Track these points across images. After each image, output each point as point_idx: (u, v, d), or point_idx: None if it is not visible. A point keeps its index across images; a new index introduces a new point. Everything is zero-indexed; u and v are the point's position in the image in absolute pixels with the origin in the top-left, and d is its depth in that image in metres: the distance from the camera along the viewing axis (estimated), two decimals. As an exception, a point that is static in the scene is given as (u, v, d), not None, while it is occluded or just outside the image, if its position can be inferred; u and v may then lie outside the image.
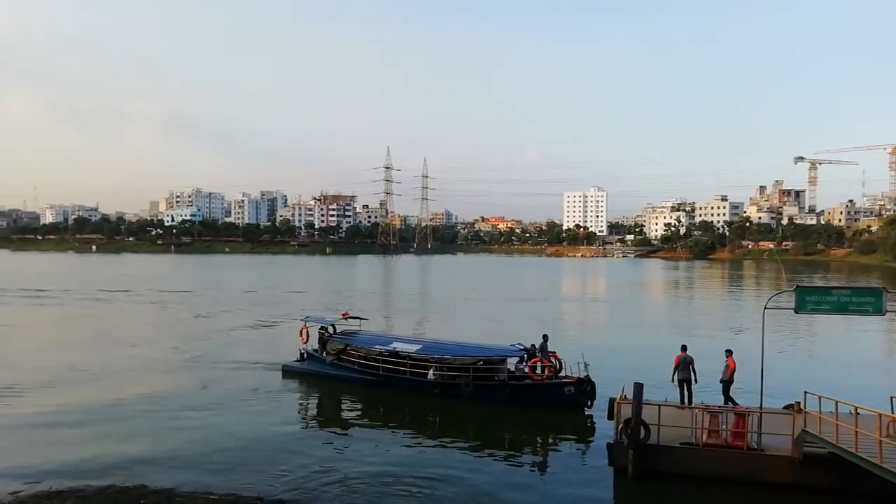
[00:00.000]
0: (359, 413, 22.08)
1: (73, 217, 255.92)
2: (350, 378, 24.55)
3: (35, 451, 16.91)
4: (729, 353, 18.60)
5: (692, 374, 18.62)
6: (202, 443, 17.72)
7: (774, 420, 15.78)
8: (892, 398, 15.30)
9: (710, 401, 17.73)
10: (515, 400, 21.15)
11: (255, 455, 16.78)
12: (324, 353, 25.98)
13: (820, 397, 14.92)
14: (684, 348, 19.10)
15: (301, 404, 23.02)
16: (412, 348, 23.62)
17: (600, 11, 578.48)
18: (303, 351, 27.01)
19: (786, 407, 17.52)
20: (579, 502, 14.41)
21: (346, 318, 28.02)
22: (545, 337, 22.82)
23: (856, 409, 13.84)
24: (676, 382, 18.67)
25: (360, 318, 28.57)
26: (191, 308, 51.45)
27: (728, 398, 18.35)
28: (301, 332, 27.07)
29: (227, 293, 65.15)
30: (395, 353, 23.51)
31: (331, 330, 26.88)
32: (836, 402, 14.51)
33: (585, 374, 20.79)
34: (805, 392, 15.87)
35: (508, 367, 22.60)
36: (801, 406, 16.03)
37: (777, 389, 19.06)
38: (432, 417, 21.17)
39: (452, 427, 20.01)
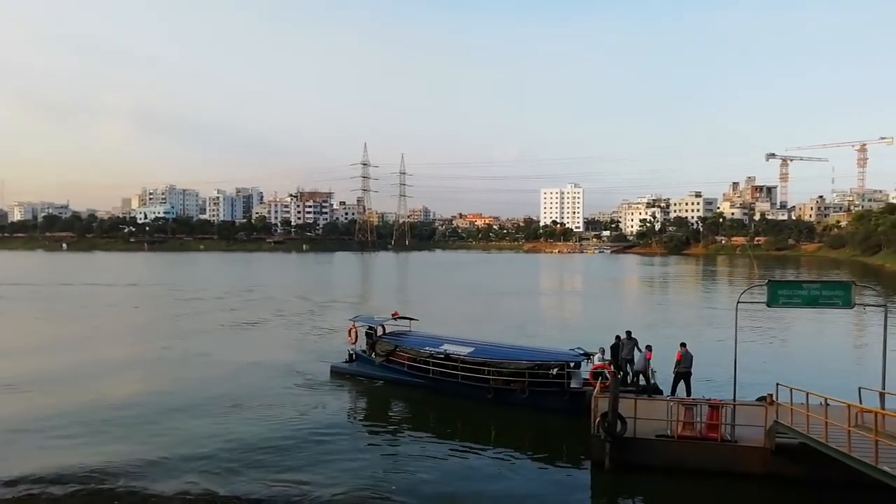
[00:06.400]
0: (405, 418, 21.31)
1: (43, 215, 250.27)
2: (400, 380, 23.93)
3: (17, 455, 16.45)
4: (682, 345, 19.46)
5: (634, 356, 20.64)
6: (227, 445, 17.24)
7: (747, 412, 16.07)
8: (859, 389, 15.65)
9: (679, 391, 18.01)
10: (575, 408, 19.38)
11: (276, 457, 16.42)
12: (372, 354, 25.47)
13: (791, 389, 15.24)
14: (629, 334, 21.20)
15: (348, 407, 22.26)
16: (464, 351, 22.63)
17: (577, 10, 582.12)
18: (351, 352, 26.55)
19: (759, 399, 17.88)
20: (553, 497, 14.47)
21: (395, 319, 27.14)
22: (619, 337, 21.63)
23: (826, 400, 14.15)
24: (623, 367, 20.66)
25: (410, 319, 27.61)
26: (198, 308, 50.73)
27: (674, 388, 19.13)
28: (349, 331, 26.72)
29: (230, 292, 64.33)
30: (446, 356, 22.70)
31: (379, 330, 26.27)
32: (807, 394, 14.84)
33: (653, 381, 20.03)
34: (777, 384, 16.15)
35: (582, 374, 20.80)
36: (774, 398, 16.33)
37: (750, 382, 19.40)
38: (481, 425, 19.86)
39: (504, 435, 18.80)
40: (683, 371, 19.16)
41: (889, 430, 12.51)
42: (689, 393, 18.93)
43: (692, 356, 19.29)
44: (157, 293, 63.15)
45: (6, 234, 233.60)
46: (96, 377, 25.87)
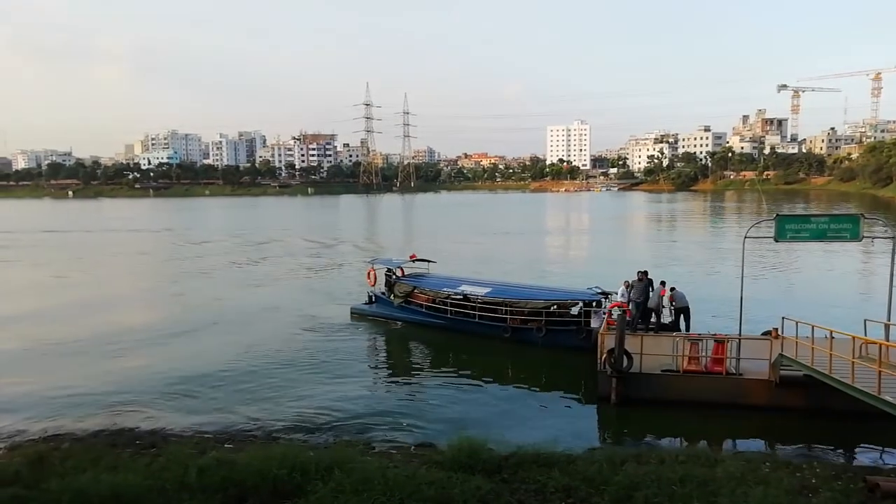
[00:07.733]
0: (423, 355, 21.77)
1: (47, 162, 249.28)
2: (419, 321, 24.32)
3: (40, 401, 16.84)
4: (665, 285, 20.16)
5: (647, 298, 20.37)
6: (247, 383, 17.72)
7: (753, 346, 16.26)
8: (865, 321, 15.72)
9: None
10: (591, 345, 19.40)
11: (297, 392, 16.93)
12: (391, 296, 25.77)
13: (797, 322, 15.32)
14: (642, 276, 20.47)
15: (367, 346, 22.76)
16: (481, 291, 22.95)
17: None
18: (371, 294, 26.91)
19: (764, 333, 18.07)
20: (561, 429, 14.77)
21: (413, 261, 27.40)
22: (643, 274, 20.82)
23: (831, 332, 14.22)
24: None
25: (428, 261, 27.82)
26: (222, 256, 51.05)
27: (678, 324, 19.64)
28: (369, 274, 27.04)
29: (244, 240, 64.65)
30: (464, 297, 23.00)
31: (398, 272, 26.54)
32: (813, 327, 14.91)
33: (670, 318, 20.14)
34: (783, 318, 16.25)
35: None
36: (779, 332, 16.45)
37: (757, 316, 19.53)
38: (498, 362, 20.21)
39: (519, 371, 19.23)
40: (681, 307, 19.69)
41: (893, 361, 12.64)
42: (688, 327, 19.23)
43: (683, 293, 19.93)
44: (169, 239, 63.54)
45: (11, 183, 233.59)
46: (113, 329, 26.20)
